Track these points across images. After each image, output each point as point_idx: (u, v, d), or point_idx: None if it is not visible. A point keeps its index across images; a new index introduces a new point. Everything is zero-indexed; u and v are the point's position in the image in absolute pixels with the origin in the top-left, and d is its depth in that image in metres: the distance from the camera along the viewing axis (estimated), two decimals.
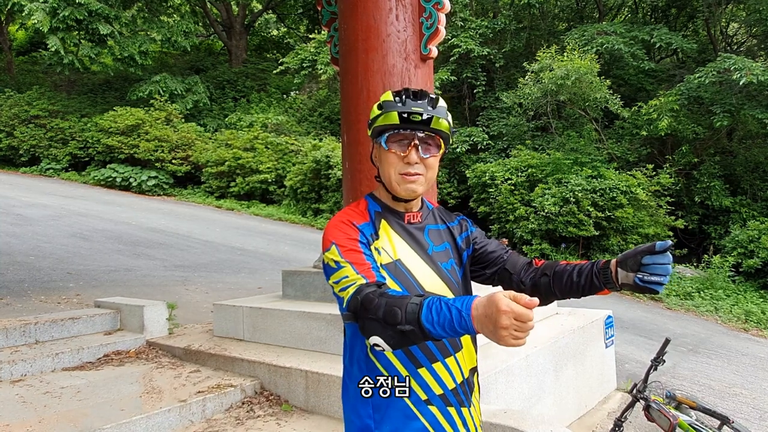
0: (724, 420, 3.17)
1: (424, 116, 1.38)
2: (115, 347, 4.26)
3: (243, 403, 3.47)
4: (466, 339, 1.49)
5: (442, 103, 1.45)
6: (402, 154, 1.41)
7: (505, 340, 1.06)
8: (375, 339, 1.20)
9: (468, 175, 13.03)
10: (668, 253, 1.29)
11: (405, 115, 1.38)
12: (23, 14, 15.11)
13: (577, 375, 4.26)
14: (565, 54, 12.50)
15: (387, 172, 1.45)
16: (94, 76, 20.21)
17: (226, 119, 18.35)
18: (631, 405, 3.45)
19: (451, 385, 1.42)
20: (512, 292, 1.09)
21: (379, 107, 1.46)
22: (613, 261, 1.40)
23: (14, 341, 4.11)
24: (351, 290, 1.28)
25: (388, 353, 1.36)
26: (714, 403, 4.91)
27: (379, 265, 1.39)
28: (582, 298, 1.51)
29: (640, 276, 1.32)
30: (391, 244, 1.45)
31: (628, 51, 13.44)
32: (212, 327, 4.61)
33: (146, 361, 4.09)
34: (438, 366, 1.41)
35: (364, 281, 1.28)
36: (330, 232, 1.41)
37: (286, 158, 15.44)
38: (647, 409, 3.30)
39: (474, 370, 1.52)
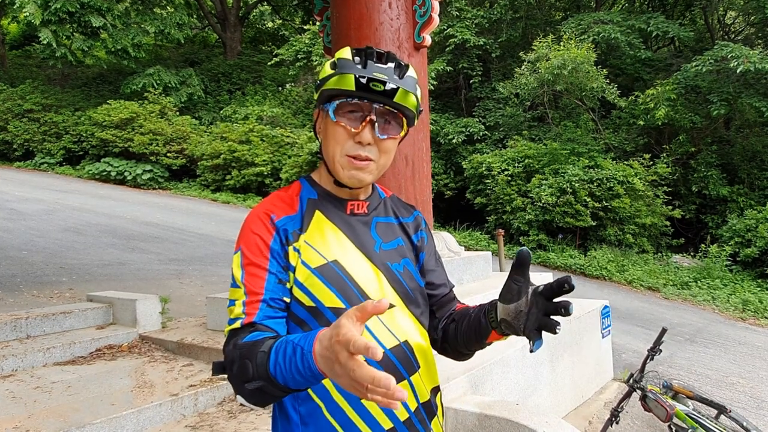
0: (722, 409, 3.15)
1: (388, 86, 1.07)
2: (107, 341, 4.22)
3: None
4: (424, 355, 1.19)
5: (411, 72, 1.14)
6: (353, 130, 1.11)
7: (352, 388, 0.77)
8: (240, 399, 1.00)
9: (464, 167, 12.99)
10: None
11: (363, 81, 1.07)
12: (15, 7, 14.96)
13: (574, 365, 4.24)
14: (561, 43, 12.42)
15: (331, 149, 1.14)
16: (87, 70, 20.06)
17: (221, 112, 18.24)
18: (627, 395, 3.44)
19: (403, 416, 1.12)
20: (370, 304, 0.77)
21: (332, 66, 1.14)
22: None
23: (5, 336, 4.06)
24: (227, 330, 1.08)
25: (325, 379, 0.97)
26: (711, 392, 4.91)
27: (305, 267, 1.11)
28: (482, 348, 1.20)
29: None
30: (325, 241, 1.15)
31: (625, 40, 13.37)
32: (206, 320, 4.57)
33: (139, 355, 4.05)
34: None
35: (239, 324, 1.06)
36: (244, 231, 1.14)
37: (282, 151, 15.37)
38: (644, 398, 3.28)
39: (436, 390, 1.23)
